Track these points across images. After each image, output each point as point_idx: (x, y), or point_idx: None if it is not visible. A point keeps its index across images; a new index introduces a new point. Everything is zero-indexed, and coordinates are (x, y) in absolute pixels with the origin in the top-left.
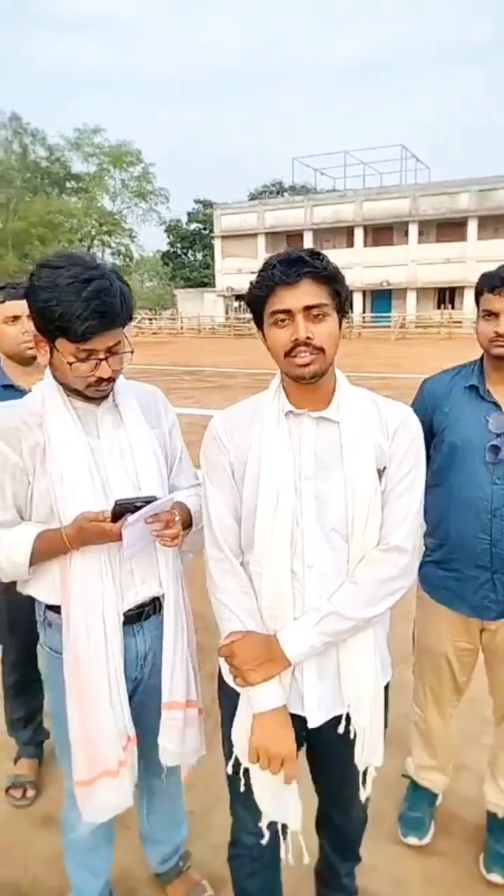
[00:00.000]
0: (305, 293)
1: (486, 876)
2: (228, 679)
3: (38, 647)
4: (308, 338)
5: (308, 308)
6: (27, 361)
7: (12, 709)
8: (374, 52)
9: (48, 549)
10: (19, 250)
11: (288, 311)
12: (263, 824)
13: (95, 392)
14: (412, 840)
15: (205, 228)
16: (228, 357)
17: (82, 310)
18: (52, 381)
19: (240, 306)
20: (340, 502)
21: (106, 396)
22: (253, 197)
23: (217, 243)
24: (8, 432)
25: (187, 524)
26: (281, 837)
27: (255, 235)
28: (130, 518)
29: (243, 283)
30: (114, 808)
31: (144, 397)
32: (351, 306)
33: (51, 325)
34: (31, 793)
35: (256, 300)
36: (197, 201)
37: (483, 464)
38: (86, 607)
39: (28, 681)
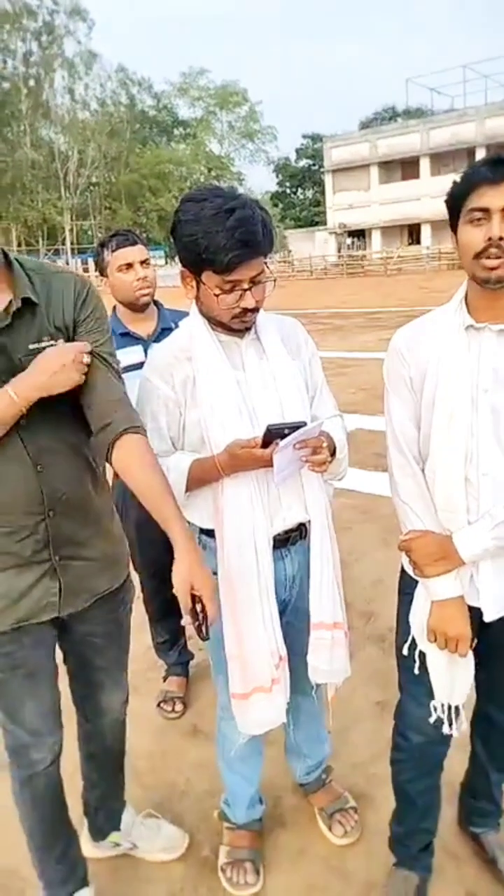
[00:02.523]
0: None
1: None
2: (409, 569)
3: None
4: (501, 238)
5: None
6: (141, 308)
7: (157, 633)
8: None
9: (202, 477)
10: (132, 203)
11: (486, 210)
12: (436, 703)
13: (240, 323)
14: None
15: (314, 164)
16: (341, 297)
17: (226, 240)
18: (198, 317)
19: (353, 243)
20: None
21: (249, 328)
22: (364, 126)
23: (328, 178)
24: (161, 368)
25: (331, 452)
26: (447, 728)
27: (367, 167)
28: (281, 443)
29: (356, 219)
30: (268, 723)
31: (285, 329)
32: None
33: (197, 259)
34: (179, 707)
35: (457, 196)
36: (305, 136)
37: None
38: (238, 531)
39: (167, 606)
